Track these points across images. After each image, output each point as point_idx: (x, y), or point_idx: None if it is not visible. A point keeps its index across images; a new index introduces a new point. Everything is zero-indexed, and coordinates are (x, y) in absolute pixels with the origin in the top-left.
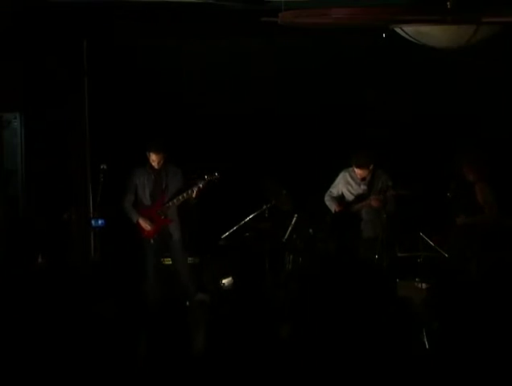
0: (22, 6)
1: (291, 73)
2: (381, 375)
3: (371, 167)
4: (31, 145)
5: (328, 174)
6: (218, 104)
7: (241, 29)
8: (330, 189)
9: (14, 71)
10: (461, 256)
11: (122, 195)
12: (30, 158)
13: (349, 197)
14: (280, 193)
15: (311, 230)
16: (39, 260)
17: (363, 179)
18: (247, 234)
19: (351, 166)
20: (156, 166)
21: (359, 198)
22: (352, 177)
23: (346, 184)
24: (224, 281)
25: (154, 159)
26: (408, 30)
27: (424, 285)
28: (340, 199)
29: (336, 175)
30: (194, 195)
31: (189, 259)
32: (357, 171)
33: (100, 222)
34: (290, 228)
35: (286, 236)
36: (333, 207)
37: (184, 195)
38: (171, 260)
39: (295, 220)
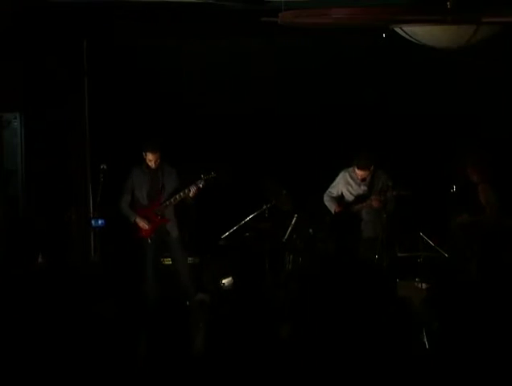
0: (22, 6)
1: (291, 73)
2: (382, 375)
3: (372, 168)
4: (31, 145)
5: (328, 174)
6: (218, 104)
7: (241, 29)
8: (329, 189)
9: (14, 71)
10: (461, 256)
11: (119, 196)
12: (30, 158)
13: (349, 197)
14: (280, 193)
15: (311, 230)
16: (39, 260)
17: (363, 180)
18: (247, 234)
19: (351, 167)
20: (153, 166)
21: (359, 198)
22: (352, 177)
23: (346, 184)
24: (224, 281)
25: (150, 159)
26: (408, 30)
27: (424, 285)
28: (340, 199)
29: (336, 175)
30: (191, 195)
31: (189, 259)
32: (358, 172)
33: (100, 222)
34: (290, 228)
35: (286, 236)
36: (333, 207)
37: (181, 194)
38: (171, 259)
39: (295, 220)
